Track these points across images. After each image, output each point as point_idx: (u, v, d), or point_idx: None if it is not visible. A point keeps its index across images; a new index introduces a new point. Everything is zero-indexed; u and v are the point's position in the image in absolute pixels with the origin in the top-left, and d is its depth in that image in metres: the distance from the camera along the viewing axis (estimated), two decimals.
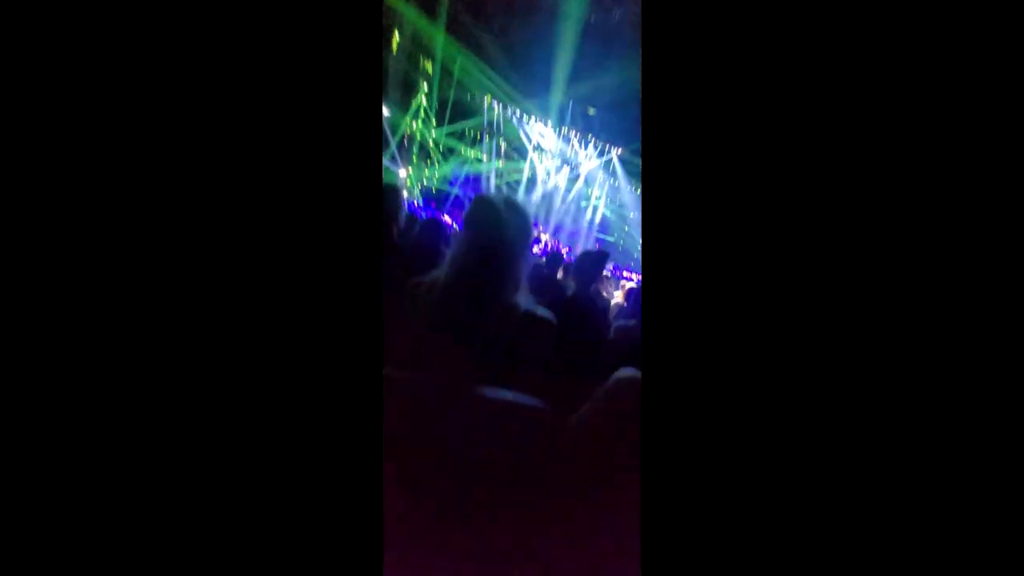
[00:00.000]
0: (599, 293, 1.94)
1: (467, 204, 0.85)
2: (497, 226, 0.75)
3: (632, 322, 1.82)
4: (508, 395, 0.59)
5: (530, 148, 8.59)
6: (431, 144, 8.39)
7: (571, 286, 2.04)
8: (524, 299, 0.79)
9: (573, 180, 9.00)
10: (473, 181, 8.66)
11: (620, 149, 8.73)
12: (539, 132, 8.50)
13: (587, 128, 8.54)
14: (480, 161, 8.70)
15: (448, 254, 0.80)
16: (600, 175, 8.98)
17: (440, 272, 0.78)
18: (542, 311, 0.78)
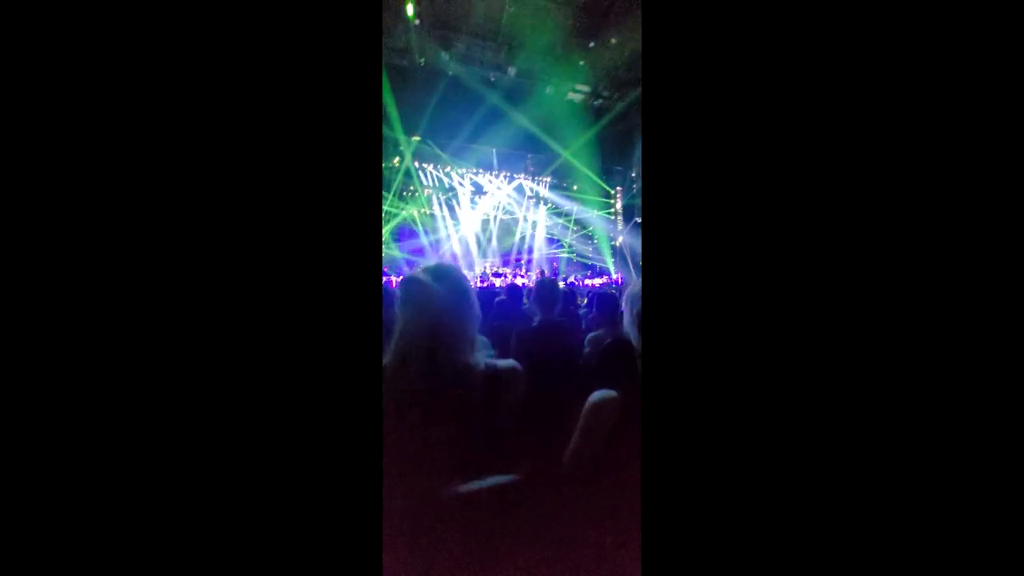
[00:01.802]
0: (568, 312, 1.94)
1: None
2: (432, 302, 0.73)
3: (600, 331, 1.81)
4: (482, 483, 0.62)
5: (459, 197, 8.94)
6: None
7: (536, 316, 2.04)
8: (481, 355, 0.77)
9: (512, 215, 9.46)
10: (412, 236, 8.72)
11: (547, 179, 9.52)
12: (466, 181, 8.92)
13: (512, 168, 9.22)
14: (432, 216, 8.87)
15: (392, 340, 0.76)
16: (532, 206, 9.58)
17: (387, 357, 0.74)
18: (502, 362, 0.77)
